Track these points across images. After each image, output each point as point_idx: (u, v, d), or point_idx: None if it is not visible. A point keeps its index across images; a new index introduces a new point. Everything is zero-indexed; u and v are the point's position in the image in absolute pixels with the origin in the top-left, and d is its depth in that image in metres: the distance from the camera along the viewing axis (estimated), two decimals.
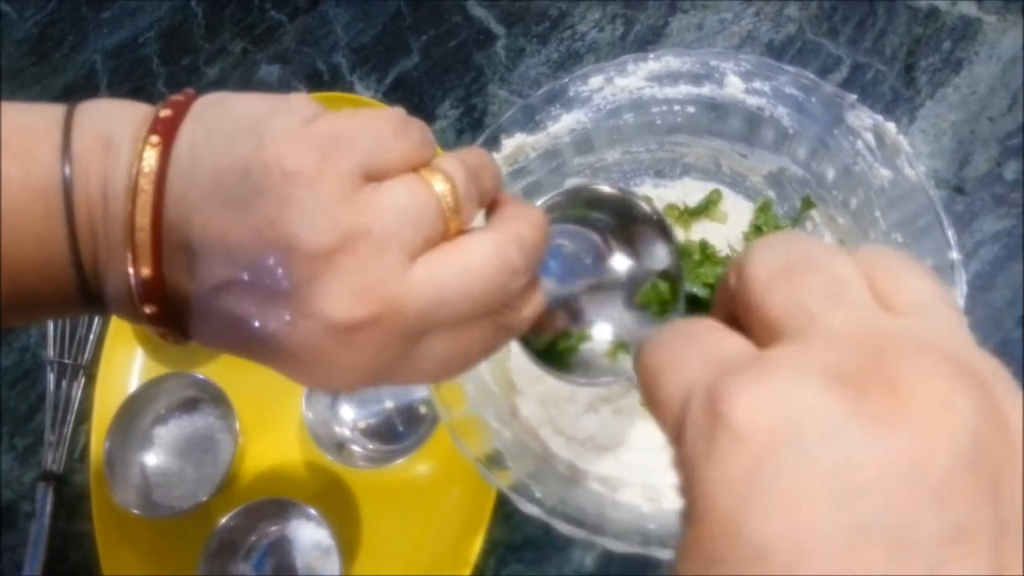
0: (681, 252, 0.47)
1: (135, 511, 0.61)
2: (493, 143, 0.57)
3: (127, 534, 0.64)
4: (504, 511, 0.59)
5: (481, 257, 0.30)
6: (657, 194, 0.61)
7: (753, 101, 0.56)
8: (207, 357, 0.68)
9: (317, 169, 0.28)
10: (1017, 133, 0.65)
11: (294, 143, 0.29)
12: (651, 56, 0.56)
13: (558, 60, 0.74)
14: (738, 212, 0.60)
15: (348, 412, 0.64)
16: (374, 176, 0.30)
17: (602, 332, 0.42)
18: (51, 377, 0.70)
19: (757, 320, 0.23)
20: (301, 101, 0.31)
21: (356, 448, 0.63)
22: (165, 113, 0.31)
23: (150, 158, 0.30)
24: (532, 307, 0.35)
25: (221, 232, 0.29)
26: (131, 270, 0.30)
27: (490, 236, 0.31)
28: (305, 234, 0.28)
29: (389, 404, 0.64)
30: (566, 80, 0.57)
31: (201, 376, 0.65)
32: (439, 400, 0.49)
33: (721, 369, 0.21)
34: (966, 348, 0.21)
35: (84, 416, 0.69)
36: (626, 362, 0.42)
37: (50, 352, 0.71)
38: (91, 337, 0.72)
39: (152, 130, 0.30)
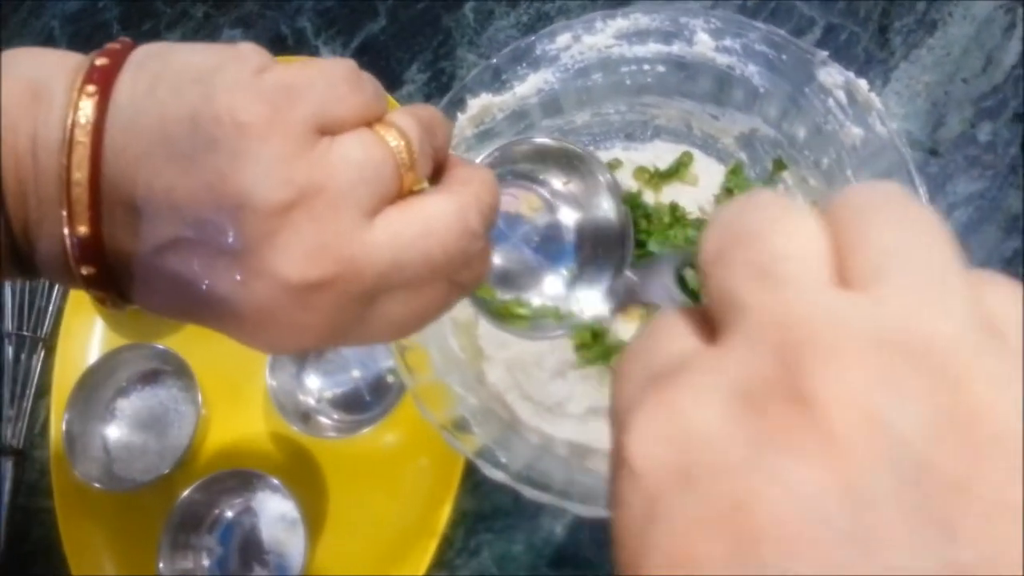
0: (628, 202, 0.48)
1: (96, 485, 0.60)
2: (458, 104, 0.55)
3: (89, 509, 0.62)
4: (472, 480, 0.58)
5: (443, 221, 0.30)
6: (627, 157, 0.60)
7: (723, 60, 0.55)
8: (169, 328, 0.66)
9: (269, 122, 0.27)
10: (991, 95, 0.64)
11: (246, 94, 0.27)
12: (620, 13, 0.55)
13: (528, 23, 0.72)
14: (709, 175, 0.59)
15: (314, 381, 0.63)
16: (328, 129, 0.29)
17: (552, 286, 0.42)
18: (9, 350, 0.68)
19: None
20: (250, 50, 0.29)
21: (322, 418, 0.61)
22: (101, 62, 0.29)
23: (86, 108, 0.28)
24: (485, 265, 0.34)
25: (168, 187, 0.28)
26: (66, 229, 0.28)
27: (451, 199, 0.30)
28: (259, 190, 0.27)
29: (356, 373, 0.63)
30: (532, 38, 0.55)
31: (162, 347, 0.63)
32: (404, 366, 0.48)
33: (651, 382, 0.18)
34: (934, 323, 0.16)
35: (44, 389, 0.68)
36: (576, 315, 0.41)
37: (8, 324, 0.69)
38: (50, 308, 0.70)
39: (88, 79, 0.28)
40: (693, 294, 0.52)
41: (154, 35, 0.80)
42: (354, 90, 0.30)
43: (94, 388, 0.64)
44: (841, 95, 0.51)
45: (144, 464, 0.63)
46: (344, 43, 0.75)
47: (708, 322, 0.19)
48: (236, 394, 0.64)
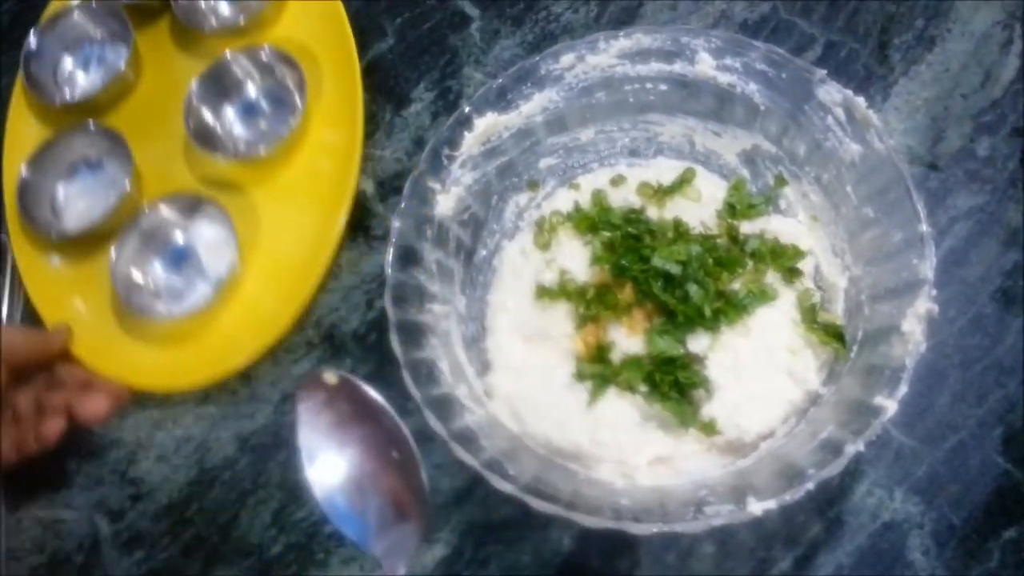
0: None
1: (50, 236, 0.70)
2: (465, 123, 0.56)
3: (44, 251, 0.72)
4: (481, 492, 0.59)
5: None
6: (632, 173, 0.61)
7: (724, 78, 0.56)
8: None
9: None
10: (990, 110, 0.65)
11: None
12: (622, 33, 0.56)
13: (533, 42, 0.74)
14: (712, 191, 0.60)
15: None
16: None
17: None
18: None
19: None
20: None
21: (229, 141, 0.72)
22: None
23: None
24: None
25: None
26: None
27: None
28: None
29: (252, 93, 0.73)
30: (537, 59, 0.57)
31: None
32: (413, 380, 0.49)
33: None
34: None
35: None
36: None
37: None
38: None
39: None
40: (696, 308, 0.53)
41: None
42: None
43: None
44: (840, 112, 0.52)
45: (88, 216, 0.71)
46: None
47: None
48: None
